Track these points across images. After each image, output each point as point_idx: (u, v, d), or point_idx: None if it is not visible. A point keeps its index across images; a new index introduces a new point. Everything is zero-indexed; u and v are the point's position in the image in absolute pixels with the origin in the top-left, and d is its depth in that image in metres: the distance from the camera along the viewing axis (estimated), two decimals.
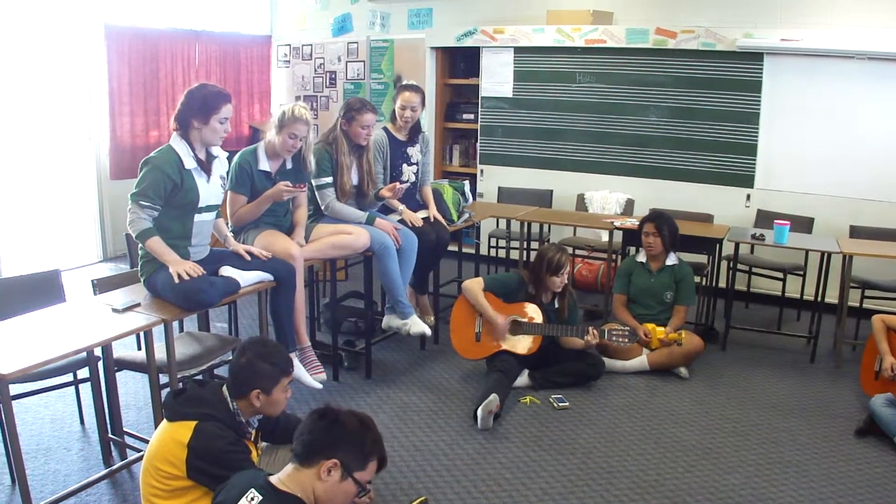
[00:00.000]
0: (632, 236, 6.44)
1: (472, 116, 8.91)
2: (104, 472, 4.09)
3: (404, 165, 5.92)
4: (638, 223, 6.18)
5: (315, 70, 9.99)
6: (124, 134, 8.38)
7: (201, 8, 9.32)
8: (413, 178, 5.98)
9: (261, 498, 2.50)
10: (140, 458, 3.50)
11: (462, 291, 5.50)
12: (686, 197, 7.43)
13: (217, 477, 2.80)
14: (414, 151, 5.97)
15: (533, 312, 5.33)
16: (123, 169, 8.29)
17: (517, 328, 5.32)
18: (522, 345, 5.32)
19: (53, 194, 8.26)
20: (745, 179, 7.36)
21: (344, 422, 2.58)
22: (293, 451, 2.59)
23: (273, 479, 2.56)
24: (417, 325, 5.48)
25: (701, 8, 7.44)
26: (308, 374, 4.75)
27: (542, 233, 7.60)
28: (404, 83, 5.98)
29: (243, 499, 2.51)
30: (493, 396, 4.76)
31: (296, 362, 4.56)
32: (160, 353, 3.97)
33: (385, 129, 5.88)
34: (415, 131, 5.96)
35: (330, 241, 5.14)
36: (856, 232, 6.55)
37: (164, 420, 3.03)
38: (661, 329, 5.60)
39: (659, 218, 5.85)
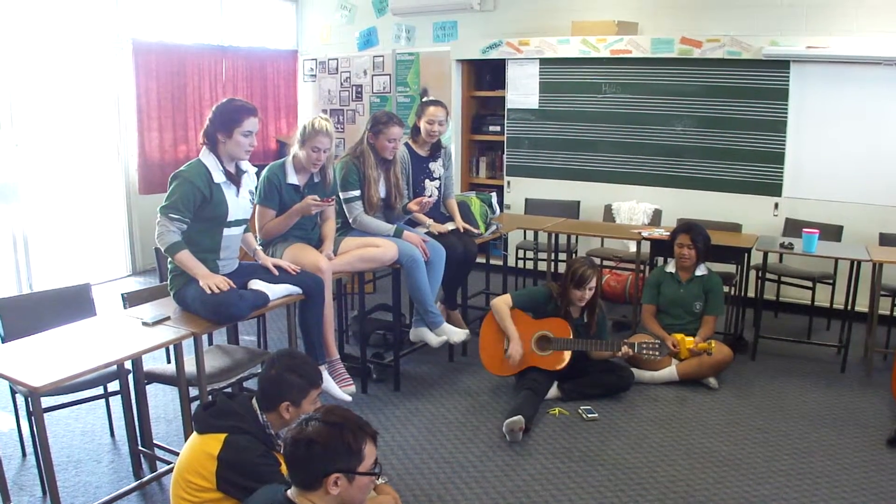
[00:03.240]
0: (660, 247, 6.41)
1: (498, 128, 8.92)
2: (134, 484, 4.12)
3: (426, 181, 5.94)
4: (666, 233, 6.17)
5: (341, 84, 10.04)
6: (153, 149, 8.46)
7: (228, 23, 9.40)
8: (435, 193, 5.99)
9: None
10: (170, 471, 3.53)
11: (490, 309, 5.50)
12: (713, 206, 7.40)
13: (247, 489, 2.81)
14: (436, 166, 5.98)
15: (563, 328, 5.31)
16: (152, 184, 8.36)
17: (547, 344, 5.30)
18: (551, 360, 5.31)
19: (83, 209, 8.34)
20: (772, 188, 7.32)
21: (316, 440, 2.50)
22: (292, 480, 2.55)
23: (291, 495, 2.55)
24: (455, 334, 5.49)
25: (726, 16, 7.41)
26: (337, 386, 4.76)
27: (569, 244, 7.59)
28: (427, 99, 6.00)
29: None
30: (519, 419, 4.73)
31: (325, 375, 4.56)
32: (190, 366, 4.01)
33: (406, 144, 5.89)
34: (436, 146, 5.98)
35: (358, 254, 5.16)
36: (886, 239, 6.49)
37: (194, 432, 3.04)
38: (691, 339, 5.57)
39: (693, 229, 5.82)
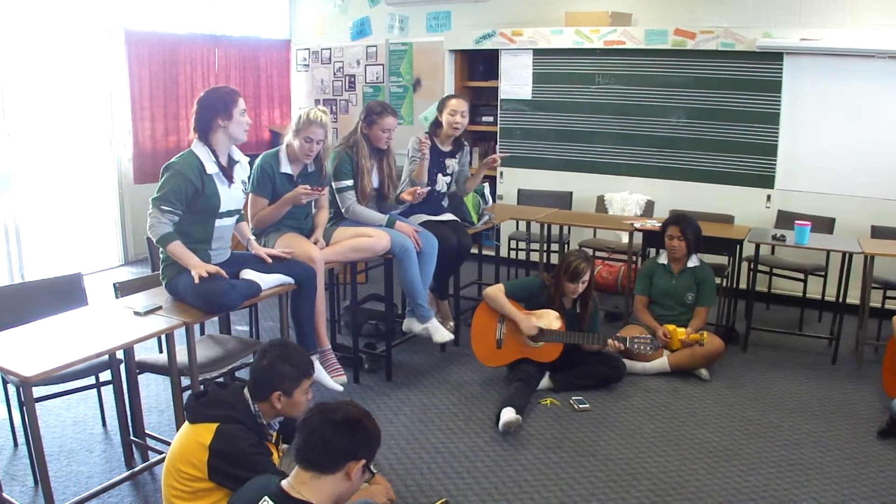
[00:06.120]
0: (652, 238, 6.42)
1: (491, 119, 8.90)
2: (126, 473, 4.11)
3: (439, 175, 5.93)
4: (658, 224, 6.17)
5: (334, 74, 10.03)
6: (145, 139, 8.43)
7: (221, 13, 9.37)
8: (444, 188, 5.99)
9: None
10: (162, 460, 3.53)
11: (483, 298, 5.50)
12: (706, 198, 7.40)
13: (239, 478, 2.82)
14: (451, 163, 5.97)
15: (554, 319, 5.31)
16: (146, 174, 8.34)
17: (538, 335, 5.30)
18: (543, 352, 5.31)
19: (75, 199, 8.32)
20: (765, 180, 7.32)
21: (364, 423, 2.62)
22: (307, 461, 2.57)
23: (285, 485, 2.56)
24: (440, 334, 5.48)
25: (720, 8, 7.41)
26: (329, 376, 4.76)
27: (562, 235, 7.57)
28: (448, 94, 5.98)
29: None
30: (517, 418, 4.73)
31: (316, 365, 4.57)
32: (182, 355, 3.99)
33: (428, 134, 5.85)
34: (458, 144, 5.98)
35: (350, 244, 5.15)
36: (877, 232, 6.51)
37: (186, 422, 3.05)
38: (683, 330, 5.58)
39: (683, 220, 5.83)
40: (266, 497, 2.53)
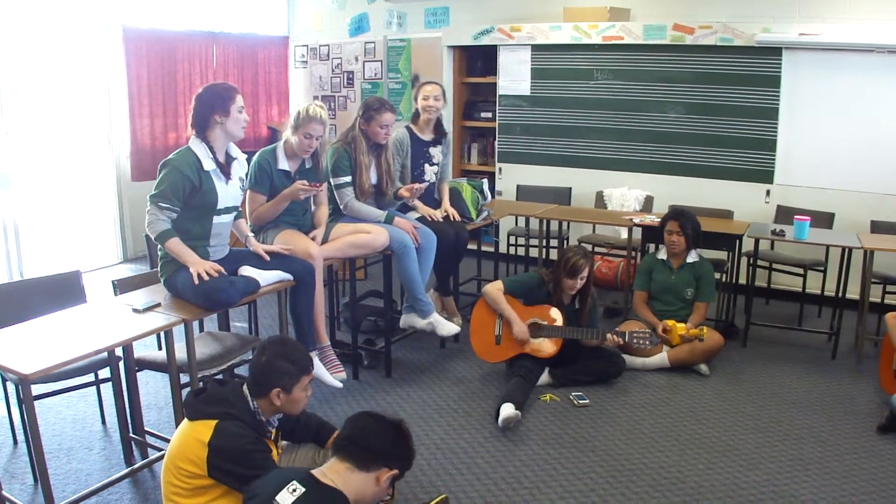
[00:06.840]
0: (651, 233, 6.42)
1: (490, 115, 8.90)
2: (125, 471, 4.10)
3: (426, 165, 5.93)
4: (657, 220, 6.17)
5: (332, 70, 10.02)
6: (144, 136, 8.42)
7: (219, 9, 9.35)
8: (434, 179, 5.99)
9: (304, 490, 2.55)
10: (161, 458, 3.52)
11: (482, 295, 5.50)
12: (705, 193, 7.40)
13: (238, 475, 2.82)
14: (436, 152, 5.97)
15: (553, 315, 5.31)
16: (144, 171, 8.32)
17: (537, 331, 5.29)
18: (543, 348, 5.31)
19: (74, 196, 8.31)
20: (764, 175, 7.32)
21: (409, 441, 2.78)
22: (346, 451, 2.66)
23: (316, 473, 2.60)
24: (445, 327, 5.49)
25: (718, 3, 7.40)
26: (328, 372, 4.76)
27: (561, 230, 7.57)
28: (424, 80, 5.98)
29: (284, 490, 2.56)
30: (516, 413, 4.71)
31: (316, 361, 4.56)
32: (180, 352, 3.99)
33: (408, 128, 5.88)
34: (440, 132, 5.97)
35: (349, 241, 5.14)
36: (877, 227, 6.50)
37: (185, 419, 3.04)
38: (682, 325, 5.58)
39: (682, 216, 5.82)
40: (294, 481, 2.57)
